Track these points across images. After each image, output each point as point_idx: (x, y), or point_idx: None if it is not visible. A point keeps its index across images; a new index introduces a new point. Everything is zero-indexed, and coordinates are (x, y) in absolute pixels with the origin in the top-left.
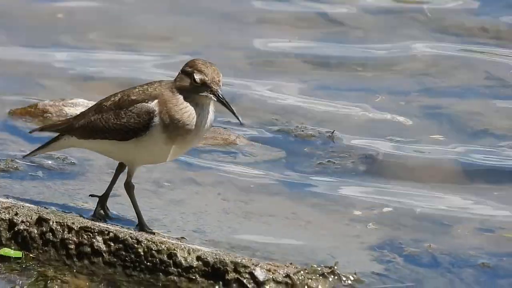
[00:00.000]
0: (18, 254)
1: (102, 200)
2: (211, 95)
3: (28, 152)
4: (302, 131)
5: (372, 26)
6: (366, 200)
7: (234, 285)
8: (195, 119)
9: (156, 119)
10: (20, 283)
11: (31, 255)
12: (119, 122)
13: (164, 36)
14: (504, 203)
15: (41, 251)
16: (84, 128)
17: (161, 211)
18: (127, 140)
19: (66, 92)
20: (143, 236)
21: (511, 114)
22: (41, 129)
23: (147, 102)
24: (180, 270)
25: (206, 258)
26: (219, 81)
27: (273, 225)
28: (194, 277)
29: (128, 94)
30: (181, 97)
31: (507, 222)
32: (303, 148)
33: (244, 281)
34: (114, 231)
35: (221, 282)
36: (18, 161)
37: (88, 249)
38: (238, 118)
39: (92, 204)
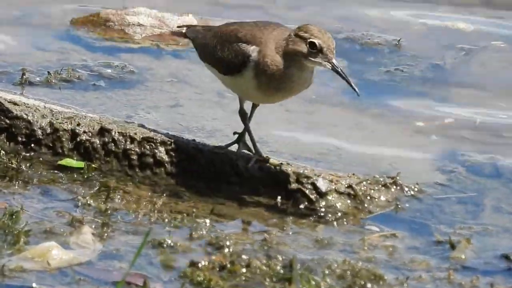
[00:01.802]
0: (81, 164)
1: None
2: (326, 63)
3: (89, 62)
4: (369, 39)
5: None
6: (429, 111)
7: (297, 195)
8: (290, 81)
9: (251, 65)
10: (83, 193)
11: (93, 165)
12: (220, 54)
13: None
14: None
15: (103, 162)
16: (199, 46)
17: (223, 121)
18: (225, 75)
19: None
20: (206, 147)
21: None
22: (181, 26)
23: (248, 45)
24: (242, 180)
25: (269, 169)
26: (333, 49)
27: (336, 136)
28: (256, 188)
29: (238, 30)
30: (283, 58)
31: None
32: (370, 56)
33: (307, 191)
34: (177, 141)
35: (283, 193)
36: (79, 70)
37: (151, 160)
38: (355, 90)
39: (153, 115)
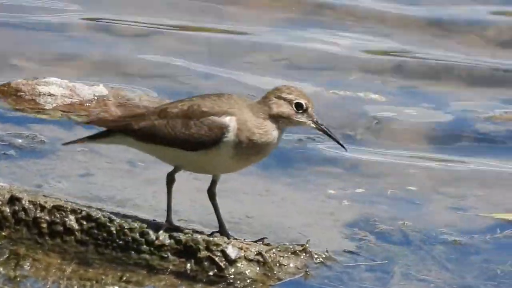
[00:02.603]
0: None
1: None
2: (311, 122)
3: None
4: None
5: None
6: (340, 182)
7: (206, 263)
8: (271, 144)
9: (229, 135)
10: None
11: (3, 233)
12: (187, 131)
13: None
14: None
15: (13, 230)
16: (145, 131)
17: (134, 190)
18: (193, 151)
19: (39, 71)
20: (115, 215)
21: None
22: (89, 123)
23: (219, 117)
24: (152, 248)
25: (178, 236)
26: (313, 107)
27: (246, 202)
28: (166, 255)
29: (199, 105)
30: (267, 122)
31: (479, 201)
32: None
33: (216, 259)
34: (87, 210)
35: (193, 260)
36: None
37: (61, 228)
38: (342, 146)
39: (64, 184)
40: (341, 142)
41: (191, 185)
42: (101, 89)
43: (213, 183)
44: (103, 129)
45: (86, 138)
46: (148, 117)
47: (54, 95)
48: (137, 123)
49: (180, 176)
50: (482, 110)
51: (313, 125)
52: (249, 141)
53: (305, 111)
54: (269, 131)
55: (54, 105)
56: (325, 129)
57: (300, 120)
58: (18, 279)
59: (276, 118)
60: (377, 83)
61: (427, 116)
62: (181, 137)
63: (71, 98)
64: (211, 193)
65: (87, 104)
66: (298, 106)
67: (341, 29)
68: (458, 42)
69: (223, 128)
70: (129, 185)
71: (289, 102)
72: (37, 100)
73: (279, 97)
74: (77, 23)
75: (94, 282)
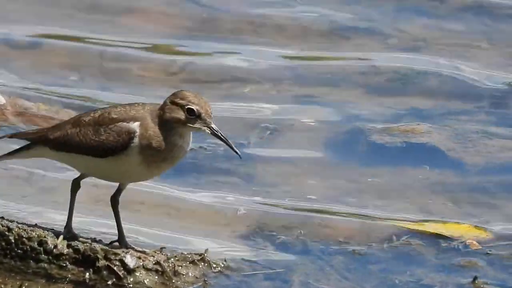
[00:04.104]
0: None
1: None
2: (206, 128)
3: None
4: None
5: None
6: (237, 187)
7: (105, 272)
8: (174, 150)
9: (136, 141)
10: None
11: None
12: (97, 138)
13: None
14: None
15: None
16: (59, 140)
17: (32, 199)
18: (103, 158)
19: None
20: (13, 223)
21: None
22: (12, 136)
23: (128, 122)
24: (50, 257)
25: (77, 245)
26: (211, 113)
27: (145, 213)
28: (64, 264)
29: (109, 112)
30: (163, 128)
31: (377, 209)
32: None
33: (115, 268)
34: None
35: (91, 269)
36: None
37: None
38: (237, 152)
39: None
40: (235, 148)
41: (89, 193)
42: None
43: (118, 191)
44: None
45: (5, 155)
46: (63, 127)
47: None
48: (52, 133)
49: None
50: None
51: (207, 130)
52: (151, 147)
53: (198, 116)
54: (163, 137)
55: None
56: (220, 135)
57: (193, 126)
58: None
59: (171, 124)
60: (272, 93)
61: (324, 124)
62: (91, 144)
63: None
64: (114, 201)
65: None
66: (190, 111)
67: (237, 41)
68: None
69: (131, 133)
70: (28, 193)
71: (181, 107)
72: None
73: (173, 102)
74: None
75: None
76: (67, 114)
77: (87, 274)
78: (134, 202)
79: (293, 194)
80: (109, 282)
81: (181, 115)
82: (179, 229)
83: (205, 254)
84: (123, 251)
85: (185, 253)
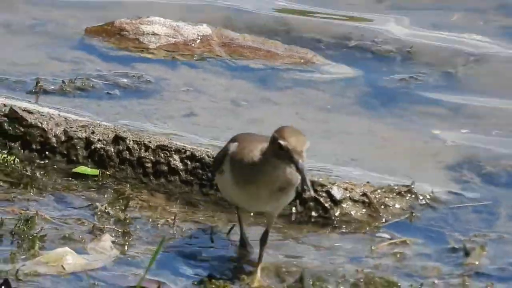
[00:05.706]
0: (95, 172)
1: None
2: (290, 163)
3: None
4: (380, 46)
5: None
6: (444, 119)
7: (311, 203)
8: (264, 174)
9: (227, 158)
10: (99, 200)
11: (107, 173)
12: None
13: None
14: None
15: (117, 170)
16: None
17: (237, 130)
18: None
19: (142, 9)
20: None
21: None
22: None
23: (233, 142)
24: None
25: None
26: (301, 151)
27: (350, 144)
28: None
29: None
30: (259, 155)
31: None
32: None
33: (321, 199)
34: (191, 150)
35: (298, 201)
36: (94, 79)
37: (165, 168)
38: (308, 187)
39: (168, 124)
40: (309, 185)
41: (296, 123)
42: (204, 29)
43: (265, 232)
44: None
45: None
46: None
47: (157, 34)
48: None
49: (283, 114)
50: None
51: (292, 166)
52: (241, 166)
53: (286, 152)
54: (256, 161)
55: (158, 44)
56: (302, 174)
57: (281, 160)
58: (127, 220)
59: (266, 154)
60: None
61: None
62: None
63: (175, 38)
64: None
65: (191, 44)
66: (279, 146)
67: None
68: None
69: (226, 150)
70: (232, 125)
71: (275, 139)
72: (141, 40)
73: (273, 136)
74: None
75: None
76: (273, 45)
77: (293, 208)
78: (341, 132)
79: (501, 127)
80: (315, 214)
81: (274, 147)
82: (384, 160)
83: (412, 186)
84: (329, 183)
85: (392, 184)
